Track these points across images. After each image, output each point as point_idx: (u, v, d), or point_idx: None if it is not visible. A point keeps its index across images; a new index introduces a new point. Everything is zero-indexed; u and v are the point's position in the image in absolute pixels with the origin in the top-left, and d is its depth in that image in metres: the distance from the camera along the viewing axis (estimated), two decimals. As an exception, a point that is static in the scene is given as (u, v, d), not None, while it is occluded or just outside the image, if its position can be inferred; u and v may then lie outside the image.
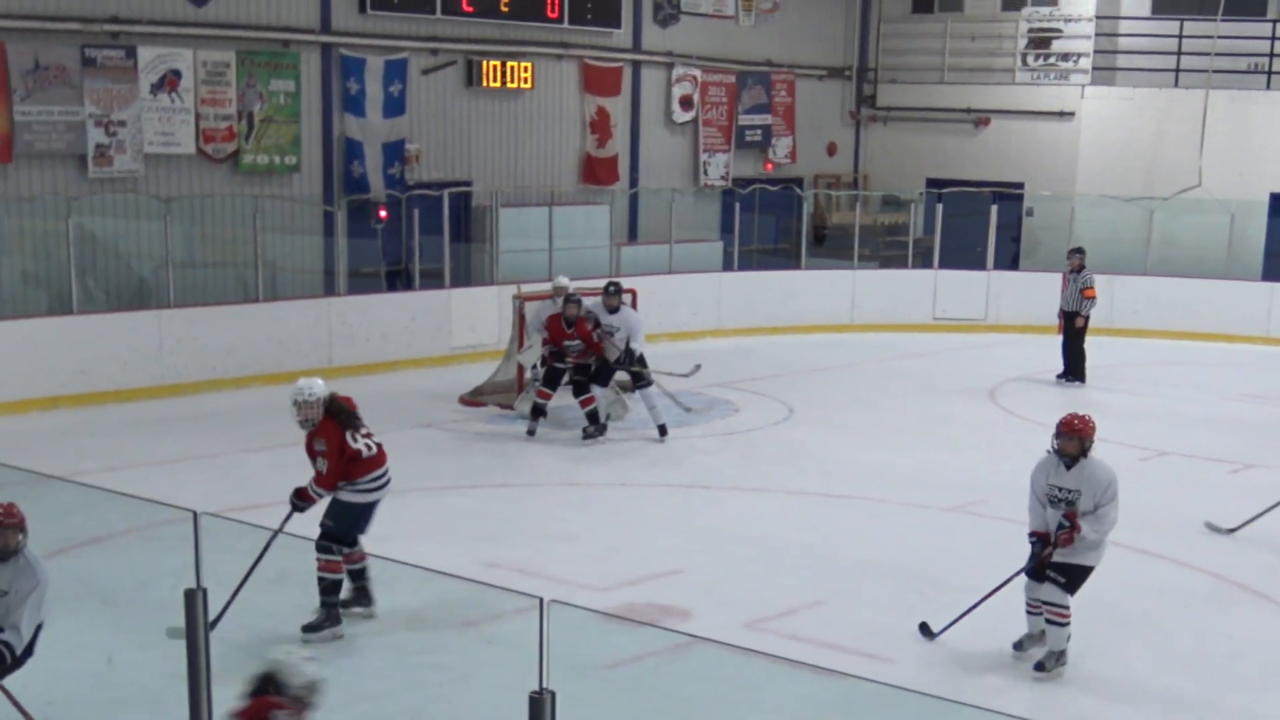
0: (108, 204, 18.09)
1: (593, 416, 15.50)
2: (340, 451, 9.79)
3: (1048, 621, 9.49)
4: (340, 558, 9.76)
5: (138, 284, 18.51)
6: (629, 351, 15.60)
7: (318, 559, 9.65)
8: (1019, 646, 9.73)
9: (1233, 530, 12.55)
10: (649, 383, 15.87)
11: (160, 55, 18.25)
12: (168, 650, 6.36)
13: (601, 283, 16.57)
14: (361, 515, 9.91)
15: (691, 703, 8.63)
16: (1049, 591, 9.46)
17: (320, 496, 9.86)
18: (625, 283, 17.42)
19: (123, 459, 14.26)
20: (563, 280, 16.42)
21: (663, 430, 15.59)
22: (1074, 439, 9.36)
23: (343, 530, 9.83)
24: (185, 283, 18.14)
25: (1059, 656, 9.47)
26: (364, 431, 10.05)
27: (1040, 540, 9.49)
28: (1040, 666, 9.45)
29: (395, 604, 10.00)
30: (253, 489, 13.18)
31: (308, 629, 9.55)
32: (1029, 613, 9.70)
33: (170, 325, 17.37)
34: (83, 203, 17.66)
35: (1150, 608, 10.81)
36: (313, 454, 9.86)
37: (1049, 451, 9.48)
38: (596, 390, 15.52)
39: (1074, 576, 9.44)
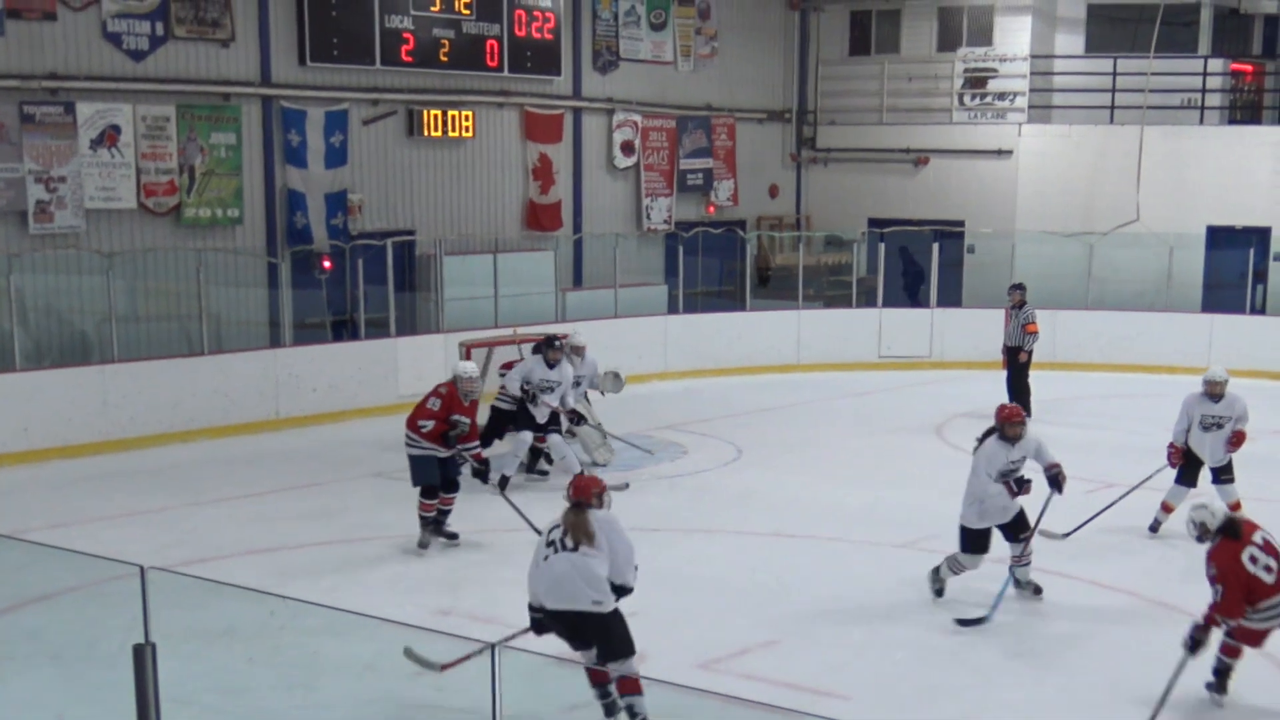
0: (49, 260, 17.97)
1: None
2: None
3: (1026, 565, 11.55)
4: (434, 501, 13.00)
5: (81, 339, 18.39)
6: (565, 411, 15.59)
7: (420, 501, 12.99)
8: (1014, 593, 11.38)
9: (1067, 535, 13.05)
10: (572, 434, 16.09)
11: (99, 110, 18.19)
12: (116, 707, 6.32)
13: (550, 329, 16.54)
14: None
15: (647, 745, 8.60)
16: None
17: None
18: (570, 329, 17.44)
19: (69, 516, 14.12)
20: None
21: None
22: (1021, 424, 11.41)
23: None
24: (129, 337, 18.04)
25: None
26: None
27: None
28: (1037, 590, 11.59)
29: (348, 654, 9.94)
30: (201, 543, 13.10)
31: (422, 546, 12.90)
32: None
33: (115, 380, 17.25)
34: (24, 259, 17.55)
35: (1099, 637, 10.86)
36: (465, 412, 12.97)
37: (996, 439, 11.37)
38: (554, 438, 15.51)
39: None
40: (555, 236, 23.96)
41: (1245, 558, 9.25)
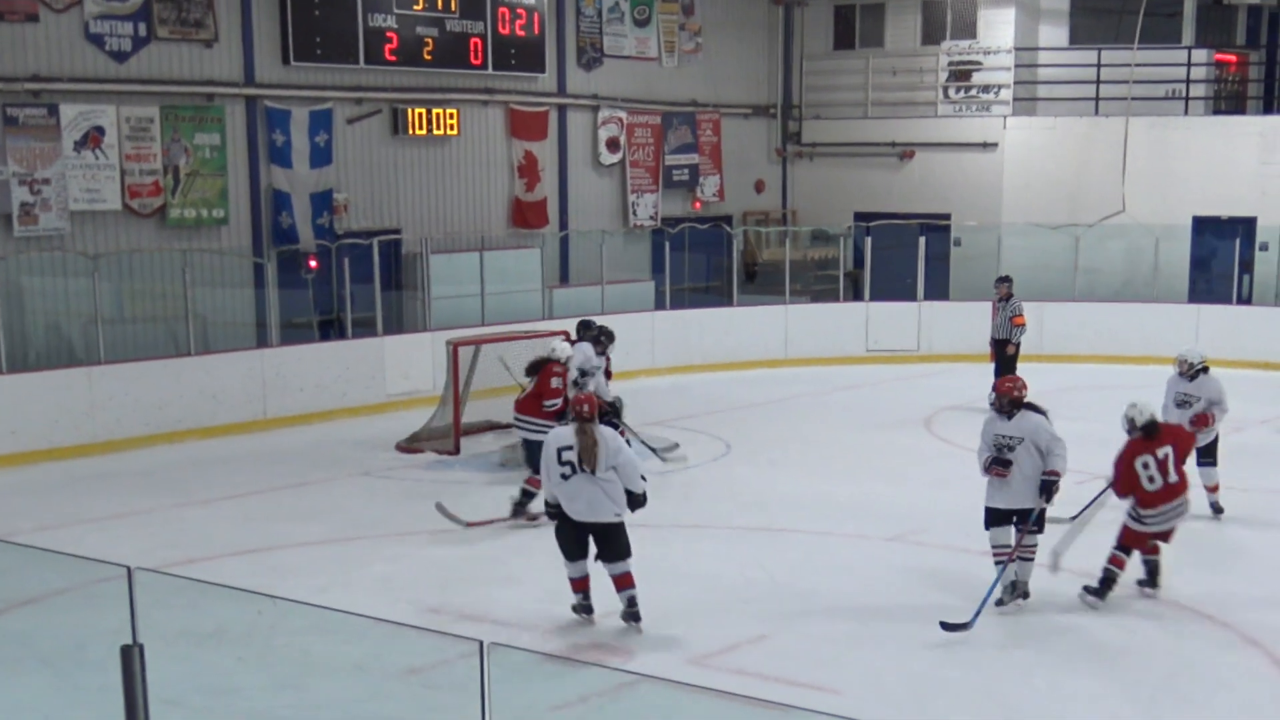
0: (34, 262, 17.95)
1: None
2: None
3: (1020, 559, 11.10)
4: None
5: (67, 341, 18.35)
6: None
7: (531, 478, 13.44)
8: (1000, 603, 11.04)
9: (1074, 517, 12.99)
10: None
11: (83, 112, 18.15)
12: (106, 710, 6.29)
13: (535, 326, 16.47)
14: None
15: (639, 742, 8.61)
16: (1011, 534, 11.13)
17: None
18: (558, 325, 17.41)
19: (56, 518, 14.09)
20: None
21: None
22: (1007, 398, 11.17)
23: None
24: (115, 339, 17.99)
25: (1014, 586, 11.10)
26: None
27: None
28: (1000, 602, 11.03)
29: (336, 653, 9.91)
30: (189, 544, 13.08)
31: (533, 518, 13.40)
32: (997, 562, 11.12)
33: (101, 382, 17.21)
34: (9, 262, 17.53)
35: (1089, 629, 10.87)
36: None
37: (993, 409, 11.25)
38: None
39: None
40: (541, 234, 23.94)
41: (1139, 463, 11.14)
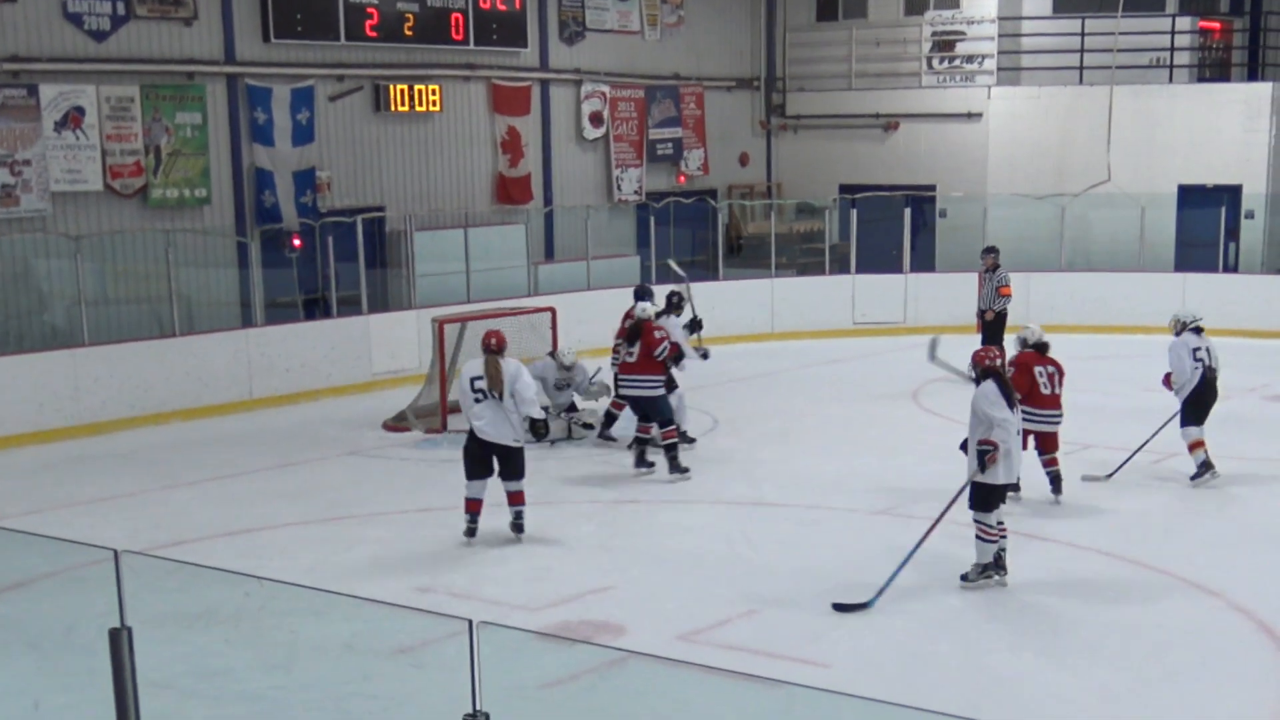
0: (16, 244, 17.86)
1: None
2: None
3: (975, 537, 11.03)
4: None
5: (50, 324, 18.27)
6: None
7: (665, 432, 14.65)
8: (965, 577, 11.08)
9: (1109, 476, 13.74)
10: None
11: (62, 92, 18.05)
12: (94, 693, 6.26)
13: (520, 303, 16.47)
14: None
15: (629, 718, 8.58)
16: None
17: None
18: (543, 301, 17.36)
19: (42, 501, 14.04)
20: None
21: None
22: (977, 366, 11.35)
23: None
24: (99, 320, 17.92)
25: (982, 569, 10.99)
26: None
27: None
28: (965, 577, 11.01)
29: (325, 633, 9.88)
30: (176, 526, 13.04)
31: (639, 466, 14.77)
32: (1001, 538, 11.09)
33: (85, 364, 17.14)
34: (-10, 244, 17.44)
35: (1077, 601, 10.87)
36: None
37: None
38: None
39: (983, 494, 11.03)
40: (526, 210, 23.87)
41: (1036, 370, 13.20)
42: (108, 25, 18.53)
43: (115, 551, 6.09)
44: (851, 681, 9.06)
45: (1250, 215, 24.65)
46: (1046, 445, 13.36)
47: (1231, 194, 24.64)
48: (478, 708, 5.16)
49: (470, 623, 5.17)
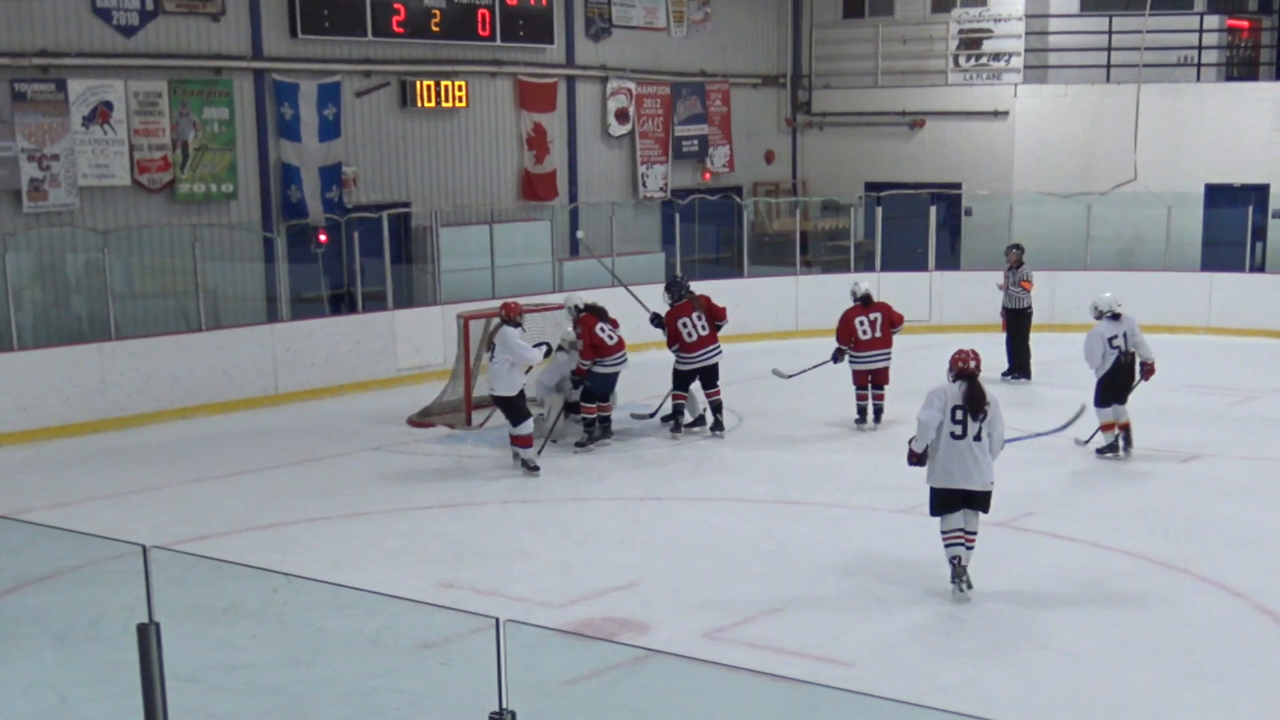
0: (44, 239, 17.94)
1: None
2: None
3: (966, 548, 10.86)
4: (595, 407, 15.97)
5: (78, 318, 18.35)
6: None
7: (582, 405, 15.95)
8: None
9: (1087, 441, 14.73)
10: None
11: (91, 87, 18.12)
12: (122, 687, 6.29)
13: (546, 298, 16.53)
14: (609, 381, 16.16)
15: (652, 716, 8.59)
16: (968, 519, 10.89)
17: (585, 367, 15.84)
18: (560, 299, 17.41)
19: (69, 495, 14.12)
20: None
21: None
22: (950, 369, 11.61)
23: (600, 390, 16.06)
24: (126, 315, 18.01)
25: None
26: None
27: None
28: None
29: (350, 628, 9.91)
30: (202, 520, 13.09)
31: (579, 445, 15.77)
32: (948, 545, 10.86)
33: (112, 358, 17.22)
34: (18, 238, 17.50)
35: (1114, 600, 10.86)
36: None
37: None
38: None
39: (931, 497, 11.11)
40: (551, 206, 23.89)
41: (857, 321, 16.55)
42: (136, 20, 18.59)
43: (144, 547, 6.13)
44: (875, 680, 9.08)
45: (1277, 215, 24.52)
46: (877, 379, 16.74)
47: (1259, 193, 24.49)
48: (504, 705, 5.17)
49: (497, 621, 5.19)
